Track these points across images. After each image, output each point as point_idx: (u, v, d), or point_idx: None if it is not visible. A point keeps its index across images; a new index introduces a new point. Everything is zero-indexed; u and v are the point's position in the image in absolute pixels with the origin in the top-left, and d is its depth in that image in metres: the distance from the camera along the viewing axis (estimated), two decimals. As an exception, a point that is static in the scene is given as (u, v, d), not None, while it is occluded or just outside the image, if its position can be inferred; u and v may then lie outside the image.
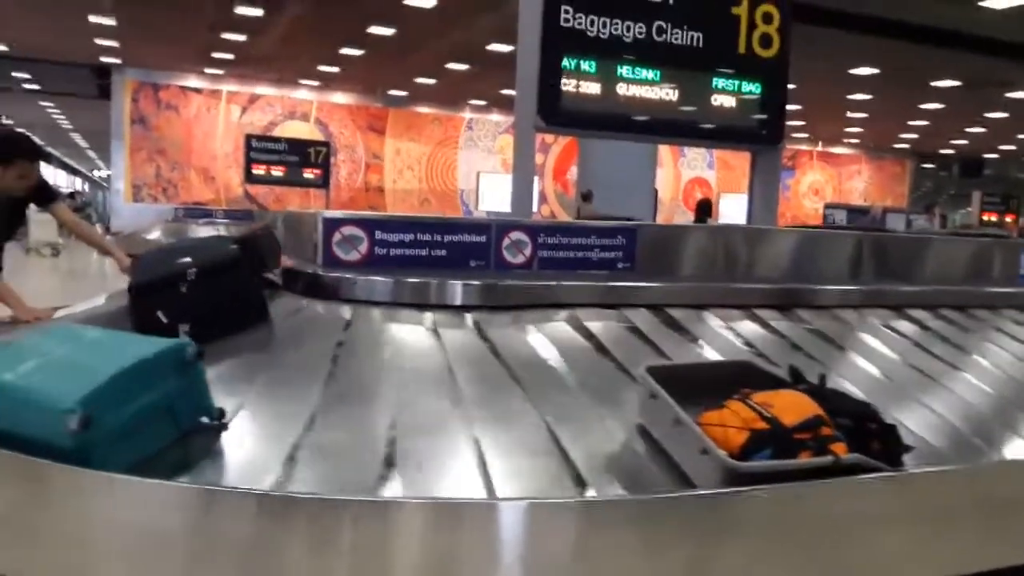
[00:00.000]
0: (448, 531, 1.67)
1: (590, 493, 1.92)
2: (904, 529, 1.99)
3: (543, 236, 3.69)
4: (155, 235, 14.65)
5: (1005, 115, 18.95)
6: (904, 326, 3.65)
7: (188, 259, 2.69)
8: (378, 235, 3.34)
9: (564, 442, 2.11)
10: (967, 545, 2.10)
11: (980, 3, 10.90)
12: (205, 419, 2.02)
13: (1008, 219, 22.08)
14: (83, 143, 34.87)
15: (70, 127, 29.58)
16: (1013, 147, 24.32)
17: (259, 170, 18.16)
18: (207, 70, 19.35)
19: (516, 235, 3.65)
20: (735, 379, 2.22)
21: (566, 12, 4.68)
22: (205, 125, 20.33)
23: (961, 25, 11.92)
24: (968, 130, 21.93)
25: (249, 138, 18.49)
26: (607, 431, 2.23)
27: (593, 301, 3.21)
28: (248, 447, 2.05)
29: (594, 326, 3.00)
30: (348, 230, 3.30)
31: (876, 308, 3.72)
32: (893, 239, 4.60)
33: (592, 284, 3.30)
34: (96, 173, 48.41)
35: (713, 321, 3.27)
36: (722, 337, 3.15)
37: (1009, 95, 16.75)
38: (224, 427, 2.05)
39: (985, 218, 21.78)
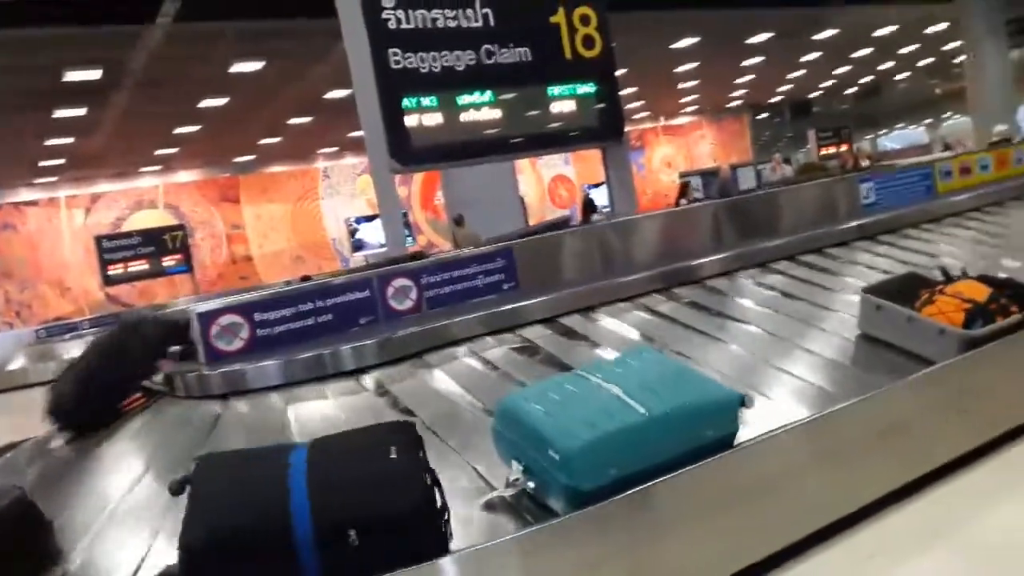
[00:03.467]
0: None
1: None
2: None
3: (426, 276, 3.72)
4: (20, 363, 13.67)
5: (818, 55, 20.40)
6: (771, 279, 3.89)
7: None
8: (258, 317, 3.26)
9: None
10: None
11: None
12: None
13: (843, 148, 23.74)
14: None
15: None
16: (832, 81, 26.18)
17: (116, 270, 17.31)
18: (38, 180, 18.29)
19: (399, 282, 3.66)
20: (910, 285, 3.08)
21: (395, 54, 4.74)
22: (49, 237, 19.18)
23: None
24: (789, 76, 23.45)
25: (99, 239, 17.58)
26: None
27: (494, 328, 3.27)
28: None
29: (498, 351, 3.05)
30: (226, 319, 3.21)
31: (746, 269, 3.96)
32: (742, 201, 4.89)
33: (492, 311, 3.35)
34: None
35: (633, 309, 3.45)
36: (639, 317, 3.29)
37: (816, 37, 18.05)
38: None
39: (823, 152, 23.33)
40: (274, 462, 1.79)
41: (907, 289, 3.05)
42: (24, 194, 18.91)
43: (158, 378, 3.16)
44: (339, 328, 3.39)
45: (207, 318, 3.16)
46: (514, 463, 2.06)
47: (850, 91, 28.75)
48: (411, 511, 1.71)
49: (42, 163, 16.52)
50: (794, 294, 3.67)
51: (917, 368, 2.66)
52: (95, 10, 8.73)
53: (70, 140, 14.81)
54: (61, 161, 16.56)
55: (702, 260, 3.94)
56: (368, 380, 2.86)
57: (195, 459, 1.83)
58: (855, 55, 21.55)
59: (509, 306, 3.41)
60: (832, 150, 23.41)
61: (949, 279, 3.06)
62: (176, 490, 1.76)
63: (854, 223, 4.60)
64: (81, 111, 12.90)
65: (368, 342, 3.01)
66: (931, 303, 2.87)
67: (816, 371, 2.85)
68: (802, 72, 22.93)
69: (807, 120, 27.96)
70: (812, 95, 28.14)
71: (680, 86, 21.59)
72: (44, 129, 13.70)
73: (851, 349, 3.05)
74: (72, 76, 11.00)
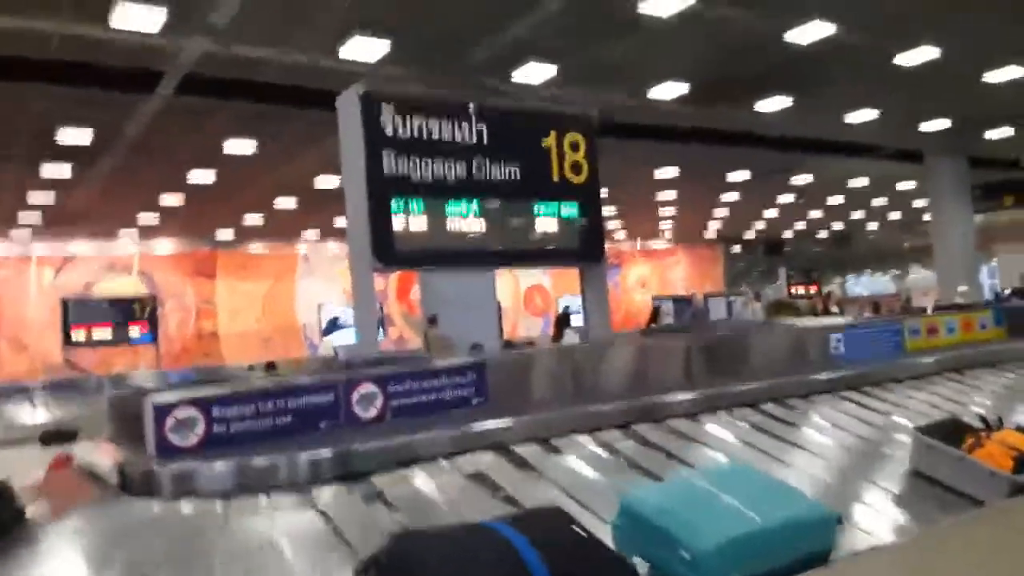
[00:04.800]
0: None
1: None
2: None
3: (393, 385, 3.65)
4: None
5: (792, 198, 21.20)
6: (736, 424, 3.87)
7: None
8: (216, 413, 3.16)
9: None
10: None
11: (755, 108, 12.29)
12: None
13: (812, 289, 24.44)
14: None
15: None
16: (804, 225, 27.12)
17: (79, 333, 16.93)
18: (13, 233, 18.07)
19: (366, 388, 3.59)
20: (954, 429, 3.28)
21: (388, 159, 4.81)
22: (13, 292, 18.78)
23: (745, 126, 13.36)
24: (764, 214, 24.28)
25: (66, 301, 17.26)
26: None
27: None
28: None
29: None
30: (182, 413, 3.11)
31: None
32: (717, 341, 4.93)
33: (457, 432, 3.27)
34: None
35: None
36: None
37: (792, 181, 18.80)
38: None
39: (793, 291, 23.95)
40: (490, 538, 1.93)
41: (951, 432, 3.27)
42: (-4, 248, 18.66)
43: (108, 467, 3.02)
44: (299, 430, 3.29)
45: (163, 411, 3.05)
46: (637, 559, 2.17)
47: (822, 235, 29.71)
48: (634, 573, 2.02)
49: (20, 216, 16.36)
50: (757, 444, 3.64)
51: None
52: (95, 74, 8.86)
53: (51, 198, 14.74)
54: (39, 217, 16.42)
55: (669, 398, 3.93)
56: (319, 499, 2.74)
57: (391, 536, 1.91)
58: (829, 202, 22.40)
59: (476, 425, 3.35)
60: (801, 289, 24.09)
61: (989, 427, 3.29)
62: (364, 571, 1.83)
63: (823, 375, 4.64)
64: (67, 169, 12.89)
65: (324, 455, 2.91)
66: (980, 447, 3.07)
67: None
68: (777, 212, 23.72)
69: (779, 258, 28.73)
70: (785, 234, 29.01)
71: (660, 212, 22.20)
72: (28, 183, 13.64)
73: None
74: (64, 135, 11.05)
